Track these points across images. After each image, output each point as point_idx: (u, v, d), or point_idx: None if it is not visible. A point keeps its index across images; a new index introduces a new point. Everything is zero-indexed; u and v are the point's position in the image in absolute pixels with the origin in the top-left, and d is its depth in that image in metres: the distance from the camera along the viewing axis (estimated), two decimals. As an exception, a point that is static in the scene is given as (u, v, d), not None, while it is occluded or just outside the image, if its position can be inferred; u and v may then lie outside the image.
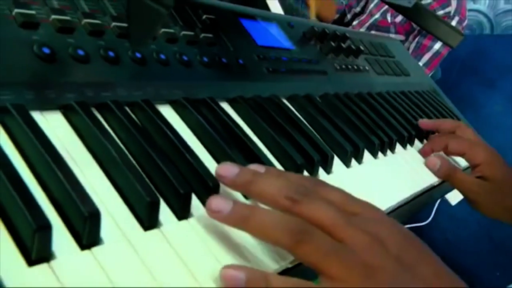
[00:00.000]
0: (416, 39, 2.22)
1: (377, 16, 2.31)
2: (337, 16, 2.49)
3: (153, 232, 0.41)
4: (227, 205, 0.42)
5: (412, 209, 0.77)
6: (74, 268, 0.35)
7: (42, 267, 0.34)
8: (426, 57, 2.20)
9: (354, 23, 2.43)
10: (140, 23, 0.38)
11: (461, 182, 0.83)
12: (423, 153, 0.88)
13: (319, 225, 0.41)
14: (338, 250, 0.40)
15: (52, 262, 0.34)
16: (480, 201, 0.82)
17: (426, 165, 0.84)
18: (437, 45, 2.19)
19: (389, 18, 2.27)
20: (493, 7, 3.03)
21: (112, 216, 0.40)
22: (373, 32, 2.25)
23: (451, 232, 2.79)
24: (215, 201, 0.43)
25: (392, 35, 2.21)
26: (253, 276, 0.39)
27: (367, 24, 2.34)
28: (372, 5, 2.38)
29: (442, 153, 0.90)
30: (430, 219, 2.64)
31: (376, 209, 0.46)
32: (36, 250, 0.34)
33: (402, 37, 2.24)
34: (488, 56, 2.97)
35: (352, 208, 0.44)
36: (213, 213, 0.43)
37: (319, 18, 2.28)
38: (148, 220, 0.41)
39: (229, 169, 0.46)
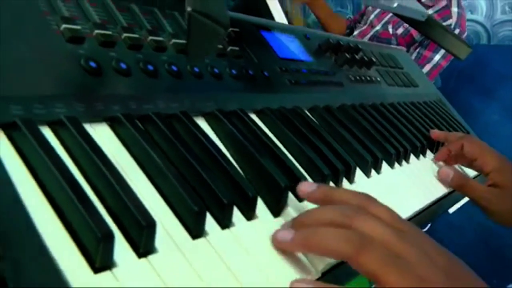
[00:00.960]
0: (417, 50, 2.25)
1: (378, 28, 2.33)
2: (347, 31, 2.52)
3: (200, 241, 0.43)
4: (289, 234, 0.46)
5: (426, 218, 0.79)
6: (134, 276, 0.37)
7: (106, 275, 0.35)
8: (426, 68, 2.22)
9: (355, 33, 2.45)
10: (198, 41, 0.39)
11: (473, 191, 0.84)
12: (441, 155, 0.91)
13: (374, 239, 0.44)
14: (396, 261, 0.42)
15: (114, 270, 0.36)
16: (493, 208, 0.83)
17: (439, 175, 0.86)
18: (437, 57, 2.21)
19: (390, 30, 2.29)
20: (490, 17, 3.06)
21: (162, 225, 0.42)
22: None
23: (448, 240, 2.79)
24: (279, 233, 0.47)
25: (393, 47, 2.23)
26: None
27: (368, 36, 2.36)
28: (372, 16, 2.39)
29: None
30: (427, 227, 2.66)
31: (418, 228, 0.49)
32: (100, 259, 0.35)
33: (403, 49, 2.26)
34: (486, 66, 3.00)
35: (399, 226, 0.47)
36: (279, 244, 0.47)
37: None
38: (195, 229, 0.43)
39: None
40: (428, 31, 1.09)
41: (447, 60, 2.21)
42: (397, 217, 0.48)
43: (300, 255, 0.49)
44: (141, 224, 0.38)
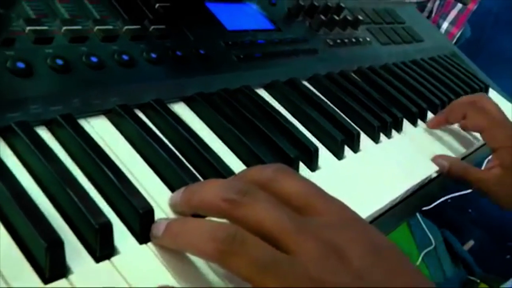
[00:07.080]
0: (440, -4, 2.08)
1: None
2: None
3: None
4: (163, 226, 0.36)
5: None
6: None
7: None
8: (452, 14, 2.04)
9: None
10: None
11: (477, 182, 0.70)
12: (435, 121, 0.77)
13: (262, 231, 0.33)
14: (278, 263, 0.31)
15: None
16: (502, 196, 0.69)
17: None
18: (463, 0, 2.04)
19: (409, -20, 2.13)
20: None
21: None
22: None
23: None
24: (155, 226, 0.37)
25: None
26: None
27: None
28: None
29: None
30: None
31: (347, 210, 0.37)
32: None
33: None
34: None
35: (315, 206, 0.35)
36: (154, 240, 0.37)
37: None
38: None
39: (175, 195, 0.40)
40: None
41: (475, 2, 2.02)
42: (316, 194, 0.37)
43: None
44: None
